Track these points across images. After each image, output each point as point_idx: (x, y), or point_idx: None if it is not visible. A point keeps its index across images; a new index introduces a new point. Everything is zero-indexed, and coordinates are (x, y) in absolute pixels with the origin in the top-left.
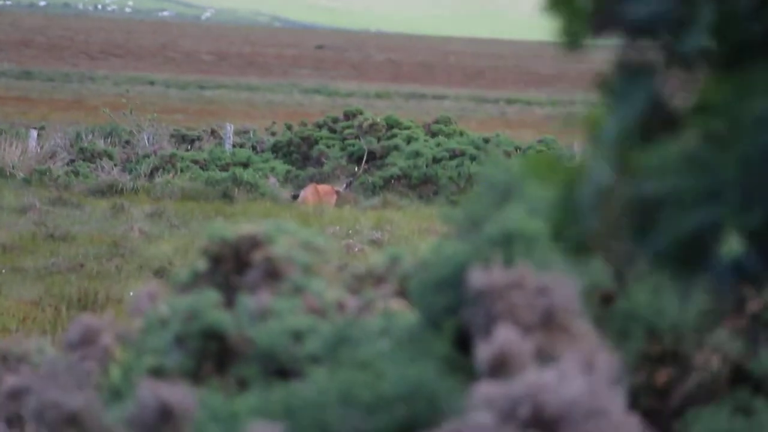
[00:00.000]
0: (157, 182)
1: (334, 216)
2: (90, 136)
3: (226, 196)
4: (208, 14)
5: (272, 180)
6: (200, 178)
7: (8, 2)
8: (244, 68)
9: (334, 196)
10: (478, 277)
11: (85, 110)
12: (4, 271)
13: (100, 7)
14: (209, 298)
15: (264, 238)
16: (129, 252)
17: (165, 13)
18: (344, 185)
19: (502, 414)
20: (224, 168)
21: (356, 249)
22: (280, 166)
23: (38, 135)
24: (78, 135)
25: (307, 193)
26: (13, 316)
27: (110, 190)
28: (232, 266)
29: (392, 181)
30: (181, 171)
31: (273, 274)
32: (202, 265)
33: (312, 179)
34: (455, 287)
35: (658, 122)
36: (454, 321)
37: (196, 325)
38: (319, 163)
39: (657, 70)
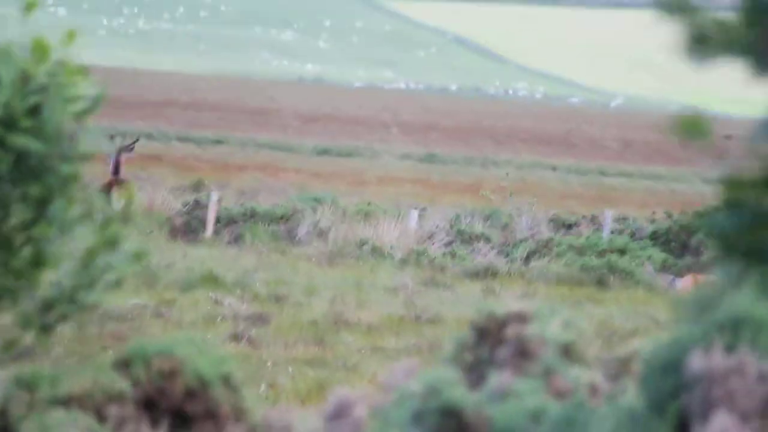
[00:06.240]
0: (532, 266)
1: None
2: (469, 219)
3: (601, 283)
4: (617, 101)
5: (648, 268)
6: (575, 263)
7: (420, 86)
8: (649, 156)
9: None
10: (697, 362)
11: (472, 194)
12: (363, 351)
13: (510, 92)
14: (449, 375)
15: (528, 315)
16: None
17: (574, 100)
18: None
19: None
20: (601, 254)
21: None
22: (657, 254)
23: (419, 216)
24: (457, 217)
25: (685, 282)
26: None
27: (484, 273)
28: (496, 341)
29: None
30: (557, 256)
31: (524, 352)
32: (467, 338)
33: (689, 269)
34: (680, 371)
35: None
36: (677, 405)
37: (435, 401)
38: (697, 253)
39: None
